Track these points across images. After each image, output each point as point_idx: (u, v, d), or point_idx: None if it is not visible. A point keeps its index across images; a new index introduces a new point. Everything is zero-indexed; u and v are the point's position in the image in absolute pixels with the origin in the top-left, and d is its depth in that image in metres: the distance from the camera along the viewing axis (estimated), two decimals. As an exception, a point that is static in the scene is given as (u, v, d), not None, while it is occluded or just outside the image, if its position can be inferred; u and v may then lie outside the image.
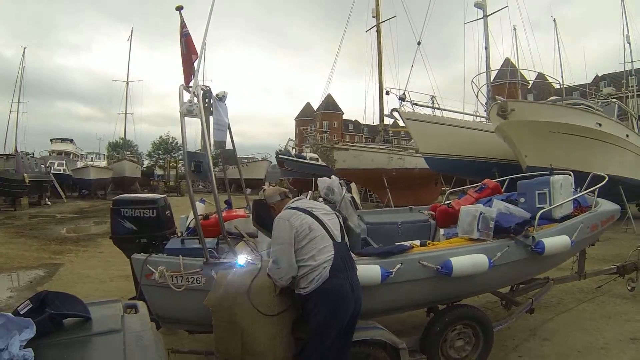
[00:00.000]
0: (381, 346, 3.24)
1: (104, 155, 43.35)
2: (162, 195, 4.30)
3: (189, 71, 3.59)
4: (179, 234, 4.05)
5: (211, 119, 3.82)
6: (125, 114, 45.26)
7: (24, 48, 41.45)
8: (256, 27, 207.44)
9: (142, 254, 3.31)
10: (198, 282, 3.12)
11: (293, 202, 3.16)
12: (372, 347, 3.22)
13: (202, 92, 3.46)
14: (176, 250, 3.34)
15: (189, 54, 3.54)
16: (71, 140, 40.11)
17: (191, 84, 3.49)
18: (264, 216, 3.44)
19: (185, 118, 3.33)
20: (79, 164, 33.01)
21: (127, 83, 45.33)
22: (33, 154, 32.18)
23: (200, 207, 4.49)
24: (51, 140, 39.66)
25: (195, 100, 3.29)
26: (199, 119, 3.39)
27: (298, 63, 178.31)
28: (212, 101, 3.74)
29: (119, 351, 1.30)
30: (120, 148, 46.55)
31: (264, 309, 2.86)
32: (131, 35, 46.06)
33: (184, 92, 3.35)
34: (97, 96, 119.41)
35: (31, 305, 1.49)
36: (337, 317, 2.75)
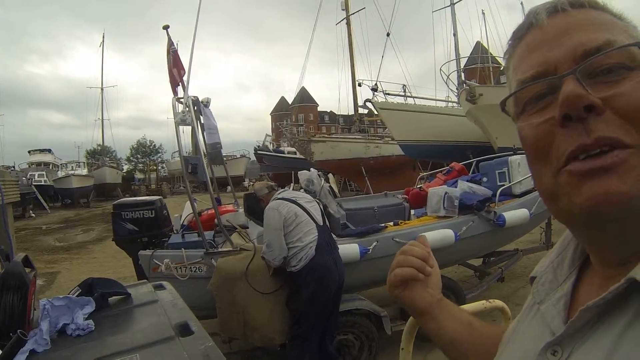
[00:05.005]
0: (365, 315, 3.63)
1: (84, 163, 42.73)
2: (158, 197, 4.57)
3: (177, 84, 3.88)
4: (176, 231, 4.33)
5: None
6: (102, 120, 45.14)
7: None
8: (229, 21, 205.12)
9: (146, 250, 3.62)
10: (200, 270, 3.47)
11: (279, 193, 3.57)
12: (358, 316, 3.61)
13: (191, 102, 3.75)
14: (178, 244, 3.68)
15: (178, 70, 3.87)
16: (49, 151, 39.46)
17: (181, 95, 3.79)
18: (254, 207, 3.81)
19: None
20: (60, 174, 32.71)
21: (102, 89, 45.13)
22: (14, 167, 31.55)
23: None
24: (29, 151, 38.98)
25: (187, 110, 3.63)
26: (190, 126, 3.74)
27: (273, 55, 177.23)
28: (200, 109, 4.07)
29: (162, 314, 1.56)
30: (99, 155, 46.01)
31: (261, 288, 3.28)
32: (103, 40, 45.98)
33: (177, 103, 3.67)
34: (71, 103, 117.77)
35: (80, 290, 1.77)
36: (324, 288, 3.17)
